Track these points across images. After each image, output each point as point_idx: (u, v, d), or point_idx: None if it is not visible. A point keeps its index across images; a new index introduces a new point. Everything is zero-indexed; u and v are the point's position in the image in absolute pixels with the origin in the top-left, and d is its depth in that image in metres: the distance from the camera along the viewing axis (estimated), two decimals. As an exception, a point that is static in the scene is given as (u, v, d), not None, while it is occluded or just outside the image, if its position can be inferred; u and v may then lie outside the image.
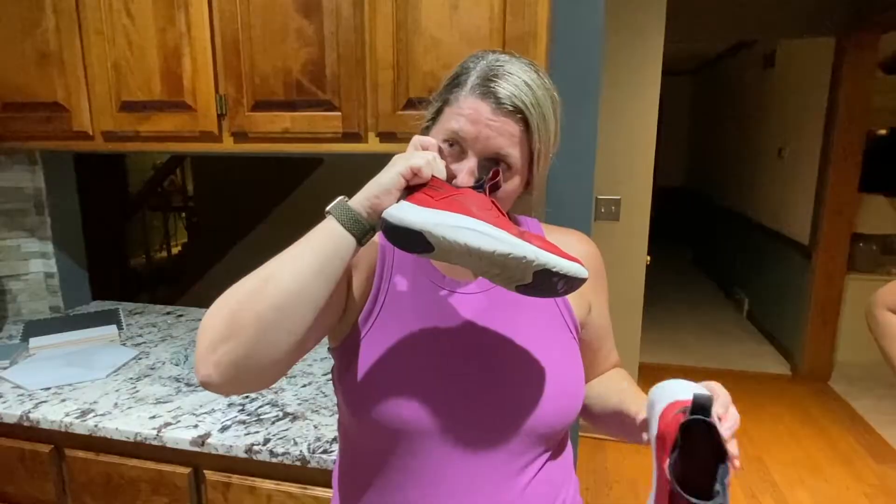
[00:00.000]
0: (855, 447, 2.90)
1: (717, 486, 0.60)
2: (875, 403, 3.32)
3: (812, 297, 3.59)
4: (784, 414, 3.23)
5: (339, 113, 1.31)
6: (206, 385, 0.64)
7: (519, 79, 0.70)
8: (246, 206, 3.69)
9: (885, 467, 2.73)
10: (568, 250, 0.85)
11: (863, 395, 3.43)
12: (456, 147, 0.72)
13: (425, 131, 0.77)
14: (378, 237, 0.80)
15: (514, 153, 0.71)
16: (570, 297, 0.81)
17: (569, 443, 0.87)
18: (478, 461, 0.74)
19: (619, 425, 0.82)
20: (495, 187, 0.71)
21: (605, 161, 2.66)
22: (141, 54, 1.38)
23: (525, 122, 0.70)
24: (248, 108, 1.35)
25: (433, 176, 0.68)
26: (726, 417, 0.65)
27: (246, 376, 0.64)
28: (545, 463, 0.77)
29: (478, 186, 0.69)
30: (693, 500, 0.60)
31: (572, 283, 0.66)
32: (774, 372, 3.79)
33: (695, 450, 0.64)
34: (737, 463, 0.63)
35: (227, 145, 1.39)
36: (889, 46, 3.74)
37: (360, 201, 0.67)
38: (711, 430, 0.63)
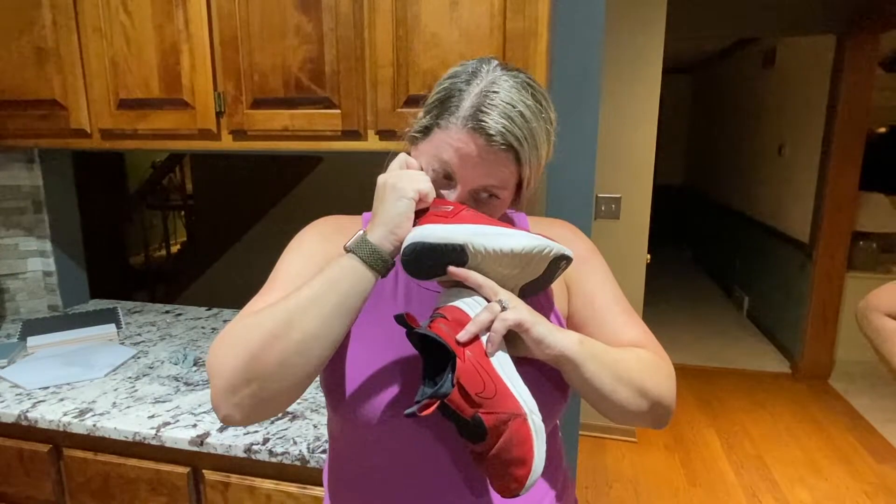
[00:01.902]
0: (855, 446, 2.90)
1: (447, 374, 0.62)
2: (875, 402, 3.32)
3: (812, 295, 3.58)
4: (784, 412, 3.23)
5: (339, 110, 1.30)
6: (227, 422, 0.65)
7: (514, 109, 0.67)
8: (245, 205, 3.68)
9: (885, 466, 2.73)
10: (558, 240, 0.84)
11: (862, 393, 3.43)
12: (441, 173, 0.70)
13: (412, 141, 0.75)
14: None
15: (503, 188, 0.71)
16: (554, 289, 0.79)
17: (558, 438, 0.86)
18: (458, 459, 0.73)
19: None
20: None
21: (606, 159, 2.65)
22: (139, 51, 1.37)
23: (516, 155, 0.68)
24: (246, 106, 1.35)
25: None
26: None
27: (267, 411, 0.65)
28: None
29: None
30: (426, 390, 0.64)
31: (569, 263, 0.71)
32: (774, 370, 3.79)
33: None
34: (462, 348, 0.63)
35: (226, 143, 1.38)
36: (889, 44, 3.74)
37: (383, 235, 0.66)
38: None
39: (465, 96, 0.68)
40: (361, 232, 0.68)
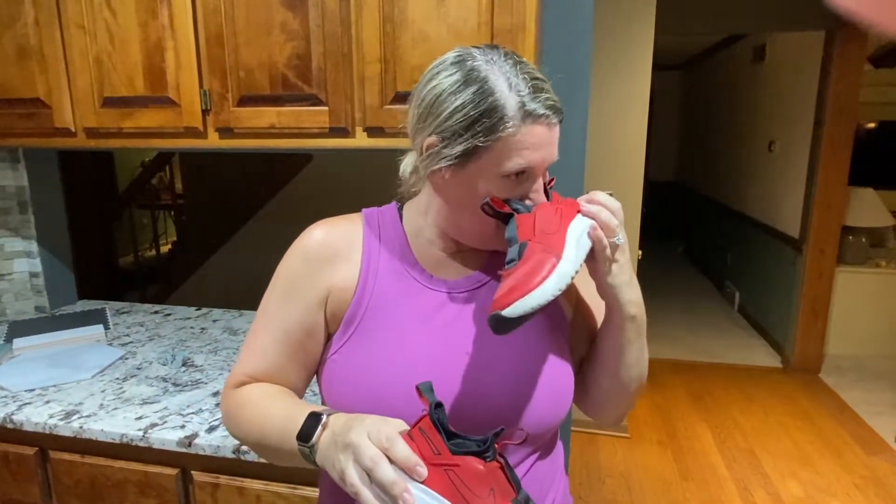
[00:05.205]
0: (845, 439, 2.92)
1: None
2: (864, 395, 3.35)
3: (802, 289, 3.61)
4: (775, 406, 3.25)
5: (326, 107, 1.29)
6: None
7: (538, 80, 0.68)
8: (235, 204, 3.66)
9: (875, 458, 2.75)
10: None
11: (853, 386, 3.46)
12: (516, 175, 0.69)
13: (448, 170, 0.70)
14: (364, 239, 0.78)
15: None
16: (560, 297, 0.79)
17: (558, 440, 0.86)
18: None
19: (605, 352, 0.79)
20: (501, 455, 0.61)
21: (597, 155, 2.65)
22: (123, 49, 1.36)
23: (561, 117, 0.70)
24: (233, 103, 1.33)
25: (419, 431, 0.57)
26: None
27: None
28: (533, 463, 0.76)
29: (482, 451, 0.57)
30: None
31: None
32: (765, 365, 3.81)
33: None
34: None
35: (213, 141, 1.37)
36: (877, 40, 3.75)
37: (326, 459, 0.61)
38: None
39: (502, 98, 0.66)
40: (318, 432, 0.63)
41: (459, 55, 0.70)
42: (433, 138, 0.70)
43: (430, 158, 0.71)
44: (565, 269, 0.65)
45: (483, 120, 0.66)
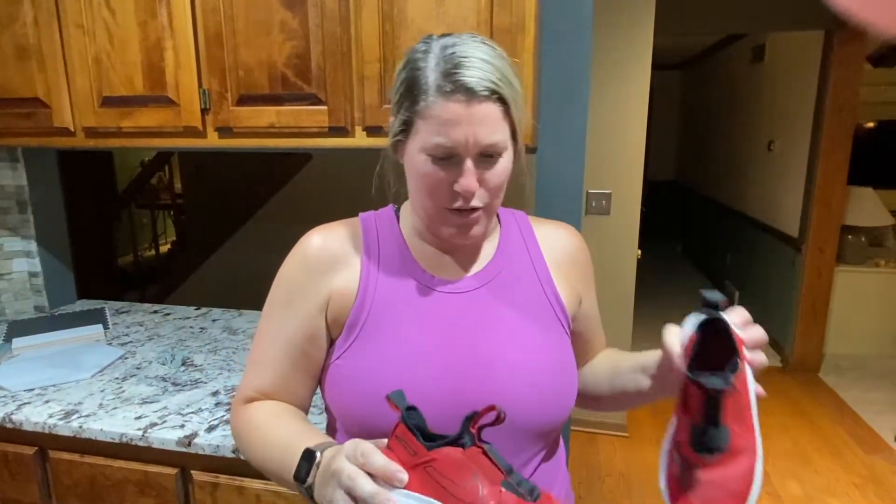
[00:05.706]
0: (844, 438, 2.92)
1: (728, 373, 0.60)
2: (864, 394, 3.35)
3: (802, 289, 3.61)
4: (775, 406, 3.25)
5: (325, 107, 1.29)
6: None
7: (476, 58, 0.66)
8: (235, 204, 3.65)
9: (874, 457, 2.75)
10: (556, 243, 0.84)
11: (852, 386, 3.46)
12: (442, 156, 0.68)
13: (397, 147, 0.73)
14: (362, 242, 0.78)
15: (501, 136, 0.68)
16: (561, 292, 0.80)
17: (560, 439, 0.86)
18: None
19: (622, 391, 0.82)
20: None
21: (596, 155, 2.65)
22: (122, 48, 1.36)
23: (501, 100, 0.67)
24: (232, 103, 1.33)
25: (394, 440, 0.56)
26: (745, 326, 0.65)
27: None
28: (539, 463, 0.76)
29: (457, 439, 0.56)
30: (702, 380, 0.60)
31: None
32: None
33: (713, 357, 0.63)
34: (750, 359, 0.63)
35: (212, 140, 1.37)
36: (876, 39, 3.75)
37: (321, 497, 0.61)
38: (724, 329, 0.62)
39: (427, 72, 0.67)
40: (313, 472, 0.62)
41: (424, 38, 0.72)
42: (392, 118, 0.73)
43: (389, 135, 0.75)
44: (761, 470, 0.60)
45: (408, 93, 0.69)
